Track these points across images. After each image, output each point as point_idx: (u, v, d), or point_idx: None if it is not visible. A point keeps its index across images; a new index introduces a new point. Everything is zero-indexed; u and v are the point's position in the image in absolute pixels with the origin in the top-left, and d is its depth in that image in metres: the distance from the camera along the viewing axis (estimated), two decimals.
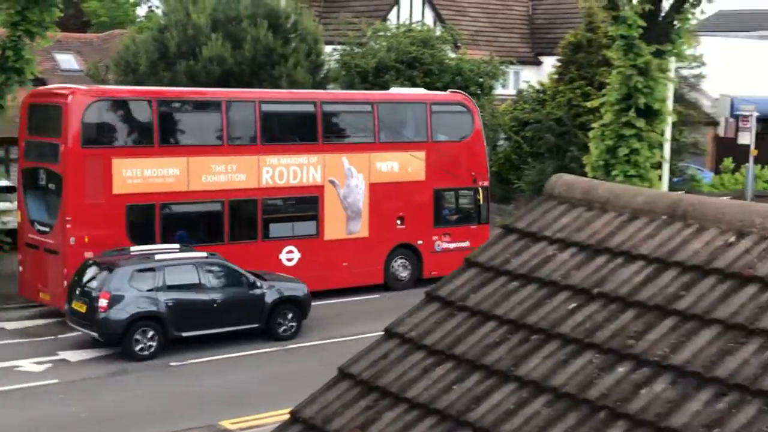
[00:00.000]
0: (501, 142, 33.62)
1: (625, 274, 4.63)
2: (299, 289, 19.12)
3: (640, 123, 17.85)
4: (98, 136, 19.83)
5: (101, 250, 18.67)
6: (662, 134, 18.69)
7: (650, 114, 18.08)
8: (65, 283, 18.86)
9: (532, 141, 32.06)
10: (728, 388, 3.77)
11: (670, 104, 19.68)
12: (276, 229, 21.48)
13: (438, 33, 31.90)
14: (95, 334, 17.64)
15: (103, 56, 28.44)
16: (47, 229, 19.97)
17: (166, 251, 18.43)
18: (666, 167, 20.33)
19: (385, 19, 33.88)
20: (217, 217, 20.79)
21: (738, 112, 39.28)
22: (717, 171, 39.62)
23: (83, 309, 17.60)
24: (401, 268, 22.96)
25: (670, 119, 19.22)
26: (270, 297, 18.63)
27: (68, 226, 19.16)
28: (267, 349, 18.61)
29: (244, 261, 19.29)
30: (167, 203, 20.13)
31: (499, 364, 4.39)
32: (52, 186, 19.89)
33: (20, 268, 20.96)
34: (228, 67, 24.83)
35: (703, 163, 40.42)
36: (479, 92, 28.60)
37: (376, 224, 22.51)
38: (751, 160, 34.27)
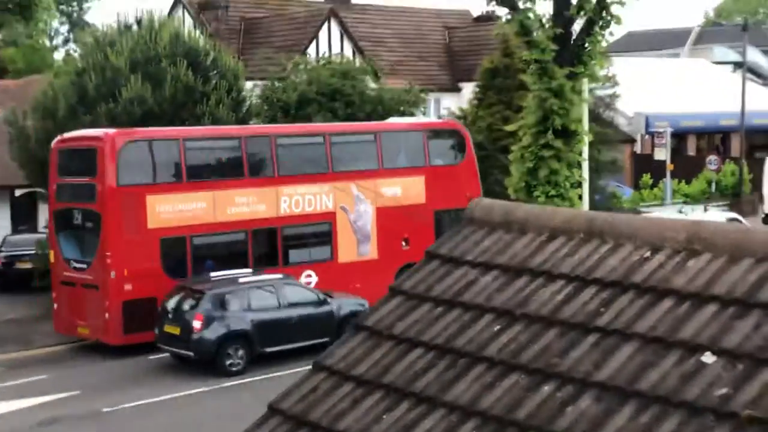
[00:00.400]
0: None
1: (546, 294, 4.71)
2: (363, 305, 20.25)
3: (558, 144, 18.18)
4: (132, 174, 20.95)
5: (139, 283, 20.22)
6: (580, 154, 19.06)
7: (567, 135, 18.43)
8: (107, 315, 20.28)
9: None
10: (651, 400, 3.85)
11: (586, 124, 20.08)
12: (295, 255, 22.83)
13: (358, 64, 32.11)
14: (191, 354, 18.87)
15: (21, 102, 27.96)
16: (85, 266, 21.11)
17: (244, 275, 20.11)
18: (586, 186, 20.70)
19: (304, 52, 34.01)
20: (241, 246, 22.07)
21: (653, 129, 40.29)
22: (636, 187, 40.47)
23: (177, 331, 18.99)
24: None
25: (587, 139, 19.61)
26: (338, 312, 20.15)
27: (109, 261, 20.32)
28: (193, 391, 18.39)
29: None
30: (197, 235, 21.41)
31: (428, 391, 4.42)
32: (89, 224, 21.18)
33: (55, 306, 21.98)
34: (149, 107, 24.62)
35: (622, 180, 41.27)
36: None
37: (384, 246, 23.89)
38: (668, 174, 35.07)
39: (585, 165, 20.49)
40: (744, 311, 4.09)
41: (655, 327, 4.19)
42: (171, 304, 19.48)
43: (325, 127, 25.06)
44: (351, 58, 33.96)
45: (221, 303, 19.13)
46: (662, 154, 36.20)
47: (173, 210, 21.08)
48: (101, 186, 20.55)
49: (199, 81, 25.59)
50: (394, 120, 26.89)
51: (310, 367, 4.95)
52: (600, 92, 37.39)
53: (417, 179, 24.50)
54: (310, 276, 22.63)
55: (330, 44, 35.99)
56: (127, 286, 20.27)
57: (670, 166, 35.23)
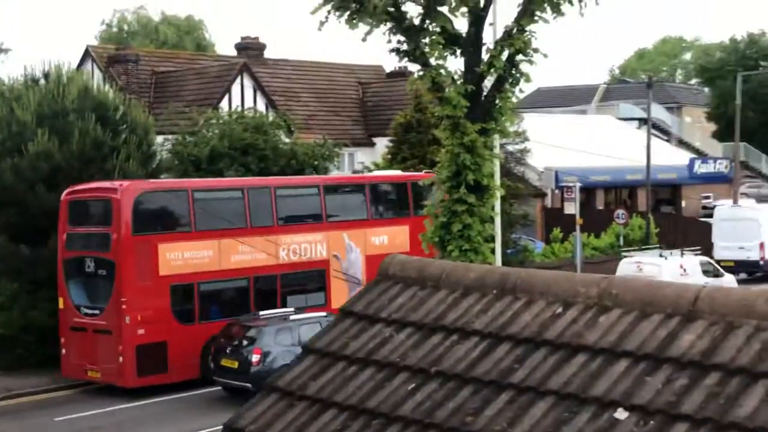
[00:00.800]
0: None
1: (461, 351, 4.69)
2: None
3: (471, 199, 18.34)
4: (145, 224, 21.95)
5: (151, 328, 21.22)
6: (492, 208, 19.25)
7: (480, 189, 18.61)
8: (121, 359, 21.16)
9: None
10: None
11: (497, 179, 20.34)
12: (292, 301, 23.75)
13: (271, 119, 32.08)
14: (248, 385, 19.49)
15: None
16: (97, 312, 21.95)
17: (291, 313, 21.58)
18: (498, 240, 20.91)
19: (216, 107, 33.83)
20: (244, 292, 23.19)
21: (562, 184, 41.00)
22: (547, 241, 41.05)
23: (235, 365, 20.40)
24: None
25: (498, 193, 19.84)
26: None
27: (124, 306, 21.24)
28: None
29: None
30: (204, 282, 22.45)
31: None
32: (102, 272, 21.98)
33: (63, 351, 22.56)
34: (56, 162, 24.14)
35: (533, 233, 41.85)
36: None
37: None
38: (578, 228, 35.69)
39: (497, 219, 20.70)
40: (655, 366, 4.13)
41: (569, 383, 4.20)
42: (226, 340, 21.08)
43: (320, 179, 26.69)
44: (264, 112, 33.92)
45: (276, 338, 20.49)
46: (572, 208, 36.83)
47: (183, 258, 22.17)
48: (116, 235, 21.52)
49: (108, 135, 25.22)
50: (380, 173, 28.70)
51: None
52: (511, 148, 38.01)
53: (402, 228, 25.95)
54: None
55: (243, 98, 35.91)
56: (140, 331, 21.26)
57: (579, 220, 35.86)
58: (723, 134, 73.24)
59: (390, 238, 25.64)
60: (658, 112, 66.52)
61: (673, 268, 29.13)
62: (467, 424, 4.19)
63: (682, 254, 32.01)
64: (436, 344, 4.80)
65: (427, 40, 18.21)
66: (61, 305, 22.71)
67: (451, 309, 4.97)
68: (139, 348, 21.26)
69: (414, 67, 19.79)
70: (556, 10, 18.18)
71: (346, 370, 4.86)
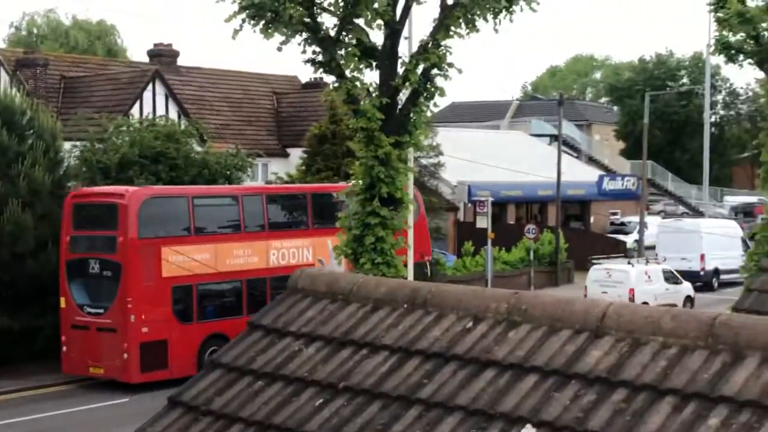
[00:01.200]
0: None
1: (370, 366, 4.63)
2: None
3: (384, 211, 18.36)
4: (149, 228, 23.05)
5: (154, 326, 22.46)
6: (405, 221, 19.29)
7: (393, 202, 18.64)
8: (125, 356, 22.34)
9: None
10: None
11: (410, 192, 20.41)
12: None
13: (183, 127, 31.65)
14: None
15: None
16: (101, 311, 23.05)
17: None
18: (411, 253, 20.96)
19: (127, 114, 33.25)
20: (237, 293, 24.47)
21: (475, 198, 41.43)
22: (459, 254, 41.37)
23: None
24: None
25: (411, 207, 19.90)
26: None
27: (129, 306, 22.42)
28: None
29: None
30: (201, 283, 23.66)
31: None
32: (107, 273, 23.09)
33: (64, 348, 23.53)
34: None
35: (446, 246, 42.14)
36: (227, 185, 28.56)
37: None
38: (489, 243, 36.05)
39: (410, 232, 20.77)
40: (563, 382, 4.13)
41: (477, 398, 4.17)
42: None
43: (307, 188, 28.87)
44: (176, 120, 33.45)
45: None
46: (483, 222, 37.24)
47: (183, 260, 23.32)
48: (123, 238, 22.65)
49: (14, 140, 24.57)
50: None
51: None
52: (425, 161, 38.24)
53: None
54: None
55: (154, 106, 35.38)
56: (144, 329, 22.48)
57: (491, 234, 36.27)
58: (631, 152, 75.04)
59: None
60: (569, 129, 67.77)
61: (639, 275, 31.65)
62: None
63: (647, 262, 34.17)
64: (345, 359, 4.73)
65: (342, 51, 18.22)
66: (62, 305, 23.67)
67: (361, 323, 4.92)
68: (142, 345, 22.49)
69: (329, 79, 19.78)
70: (471, 26, 18.36)
71: (252, 385, 4.76)
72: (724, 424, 3.67)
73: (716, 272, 40.47)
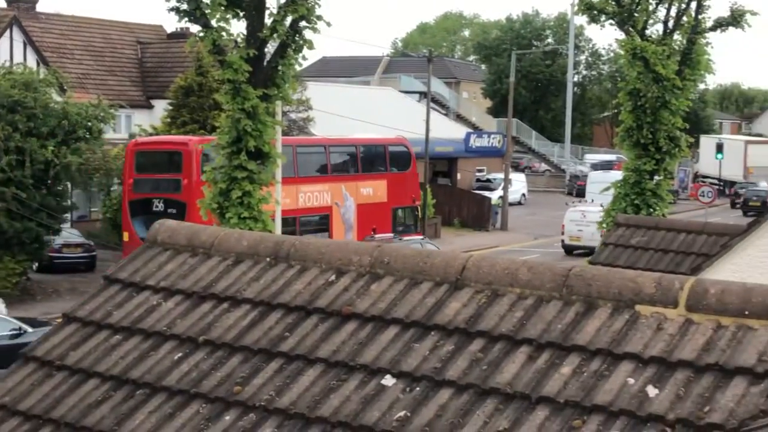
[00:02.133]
0: (114, 188, 32.71)
1: (231, 320, 4.58)
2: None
3: (252, 165, 18.15)
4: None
5: None
6: (273, 176, 19.13)
7: (261, 156, 18.44)
8: None
9: None
10: (332, 426, 3.83)
11: (279, 146, 20.23)
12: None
13: (41, 76, 30.45)
14: None
15: None
16: None
17: (395, 237, 28.11)
18: (279, 208, 20.81)
19: None
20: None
21: None
22: None
23: None
24: None
25: (280, 161, 19.73)
26: None
27: None
28: None
29: None
30: None
31: (102, 425, 4.14)
32: (171, 210, 26.33)
33: None
34: None
35: None
36: (88, 136, 27.67)
37: (360, 233, 30.24)
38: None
39: (278, 187, 20.62)
40: (423, 334, 4.18)
41: (338, 351, 4.18)
42: None
43: (326, 140, 32.68)
44: (34, 69, 32.16)
45: None
46: None
47: None
48: (187, 180, 26.18)
49: None
50: (364, 136, 34.55)
51: None
52: (294, 116, 37.97)
53: (381, 182, 31.94)
54: None
55: (12, 53, 33.90)
56: None
57: None
58: (498, 110, 76.40)
59: (374, 190, 31.59)
60: (438, 87, 68.36)
61: None
62: (234, 393, 4.10)
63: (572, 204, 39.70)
64: (205, 312, 4.67)
65: (208, 0, 17.79)
66: (125, 238, 27.31)
67: (222, 277, 4.85)
68: None
69: (196, 29, 19.29)
70: None
71: (109, 339, 4.65)
72: (576, 372, 3.78)
73: None
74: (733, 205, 56.04)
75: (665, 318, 3.93)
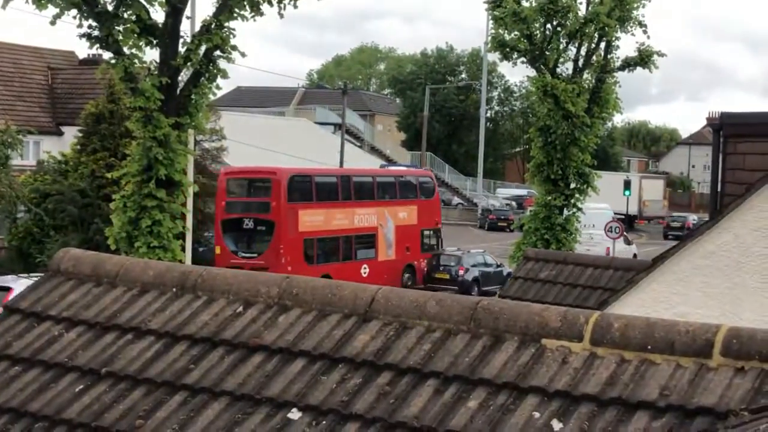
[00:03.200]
0: (21, 215, 31.92)
1: (134, 351, 4.48)
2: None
3: (162, 194, 17.90)
4: (292, 196, 31.88)
5: (293, 267, 29.65)
6: (184, 205, 18.90)
7: (172, 185, 18.21)
8: None
9: (54, 213, 30.83)
10: None
11: (191, 175, 20.02)
12: (359, 253, 34.21)
13: None
14: (456, 288, 31.60)
15: None
16: (255, 255, 31.15)
17: (464, 249, 37.22)
18: (189, 237, 20.56)
19: None
20: (335, 245, 33.16)
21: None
22: None
23: (446, 276, 34.23)
24: (407, 278, 35.42)
25: (191, 190, 19.51)
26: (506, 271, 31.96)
27: (281, 251, 30.92)
28: None
29: (345, 273, 30.18)
30: (319, 237, 32.52)
31: None
32: (261, 228, 31.50)
33: None
34: None
35: None
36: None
37: (398, 251, 35.51)
38: None
39: (189, 216, 20.37)
40: (330, 366, 4.15)
41: (244, 384, 4.12)
42: (437, 263, 35.07)
43: (373, 171, 42.03)
44: None
45: (467, 260, 34.51)
46: None
47: (309, 220, 32.11)
48: (276, 203, 31.35)
49: None
50: (399, 167, 44.57)
51: None
52: (207, 145, 37.64)
53: (413, 208, 36.64)
54: (365, 268, 33.62)
55: None
56: (289, 268, 29.32)
57: None
58: (412, 143, 76.97)
59: (408, 214, 36.18)
60: (353, 119, 68.65)
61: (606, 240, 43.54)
62: (137, 427, 4.00)
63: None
64: (108, 344, 4.56)
65: (121, 27, 17.57)
66: (218, 251, 31.84)
67: (127, 307, 4.75)
68: None
69: (108, 55, 19.01)
70: (256, 9, 18.19)
71: (8, 371, 4.50)
72: (482, 406, 3.79)
73: None
74: (666, 237, 60.12)
75: (570, 352, 3.97)
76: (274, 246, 31.19)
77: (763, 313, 6.88)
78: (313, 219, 32.45)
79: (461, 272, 33.75)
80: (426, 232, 37.23)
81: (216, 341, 4.41)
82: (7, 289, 18.50)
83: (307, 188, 33.21)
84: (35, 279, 6.03)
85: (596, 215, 53.11)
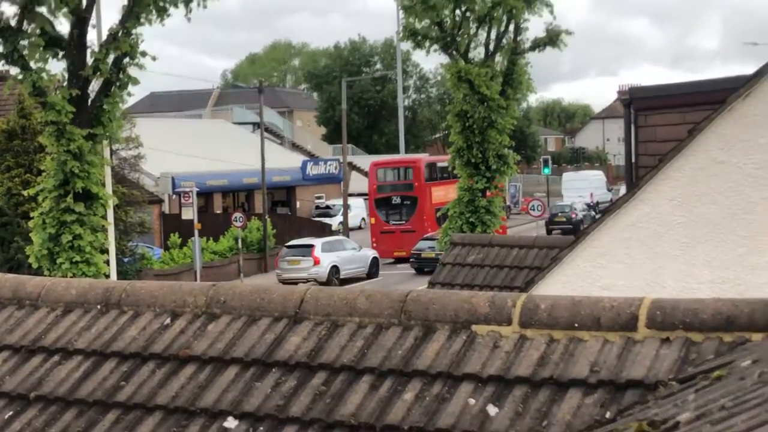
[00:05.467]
0: None
1: (63, 373, 4.40)
2: None
3: (80, 208, 17.58)
4: (427, 178, 44.99)
5: (431, 229, 41.50)
6: (104, 217, 18.60)
7: (90, 198, 17.90)
8: (417, 244, 40.21)
9: None
10: None
11: (109, 186, 19.71)
12: None
13: None
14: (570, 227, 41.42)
15: None
16: (403, 222, 44.46)
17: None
18: (112, 250, 20.24)
19: None
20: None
21: (179, 189, 40.77)
22: (166, 247, 40.59)
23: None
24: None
25: (111, 201, 19.21)
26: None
27: (424, 218, 43.73)
28: None
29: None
30: (439, 207, 37.81)
31: None
32: (407, 202, 44.74)
33: (375, 244, 43.48)
34: None
35: (152, 240, 41.17)
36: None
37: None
38: (196, 233, 35.64)
39: (111, 228, 20.05)
40: (264, 371, 4.12)
41: (177, 396, 4.08)
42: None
43: (421, 158, 51.81)
44: None
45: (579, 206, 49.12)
46: (190, 213, 36.74)
47: (437, 195, 42.97)
48: (418, 183, 44.35)
49: None
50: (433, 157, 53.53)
51: None
52: (124, 153, 37.11)
53: (447, 187, 43.64)
54: None
55: None
56: (429, 230, 40.86)
57: (197, 225, 35.85)
58: (332, 137, 76.91)
59: (443, 191, 42.08)
60: (271, 117, 68.27)
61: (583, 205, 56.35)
62: None
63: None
64: (35, 367, 4.46)
65: (26, 42, 17.19)
66: (372, 222, 45.41)
67: (52, 328, 4.66)
68: (425, 238, 39.79)
69: (15, 71, 18.60)
70: (162, 12, 17.95)
71: None
72: (418, 397, 3.81)
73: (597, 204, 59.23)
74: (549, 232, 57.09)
75: (500, 336, 4.01)
76: (419, 215, 43.81)
77: (684, 280, 7.04)
78: (439, 193, 43.04)
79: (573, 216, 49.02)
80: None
81: (145, 355, 4.35)
82: None
83: (434, 172, 45.21)
84: None
85: (595, 179, 67.78)
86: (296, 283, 33.85)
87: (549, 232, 48.58)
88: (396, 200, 44.20)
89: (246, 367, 4.16)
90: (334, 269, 36.98)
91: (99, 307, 4.73)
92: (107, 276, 18.23)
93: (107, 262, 18.82)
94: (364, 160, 70.87)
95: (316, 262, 36.57)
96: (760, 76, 6.68)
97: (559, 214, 52.90)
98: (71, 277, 16.26)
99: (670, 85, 9.47)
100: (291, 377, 4.05)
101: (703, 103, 8.13)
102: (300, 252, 37.41)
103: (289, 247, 38.45)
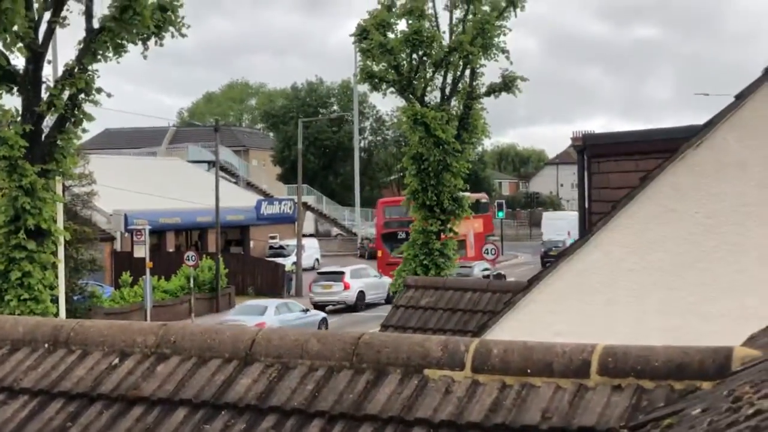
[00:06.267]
0: None
1: (8, 412, 4.31)
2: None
3: (31, 245, 17.37)
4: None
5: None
6: (55, 254, 18.36)
7: (41, 234, 17.69)
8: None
9: None
10: None
11: (61, 223, 19.49)
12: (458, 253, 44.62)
13: None
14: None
15: None
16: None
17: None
18: (62, 287, 19.96)
19: None
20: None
21: (132, 227, 40.42)
22: (117, 285, 40.11)
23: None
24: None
25: (62, 238, 18.98)
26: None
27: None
28: None
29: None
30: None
31: None
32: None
33: (380, 271, 46.90)
34: None
35: (103, 278, 40.67)
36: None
37: (476, 250, 47.10)
38: (148, 272, 35.28)
39: (61, 266, 19.79)
40: (213, 413, 4.06)
41: None
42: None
43: (473, 195, 47.72)
44: None
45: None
46: (142, 251, 36.40)
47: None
48: None
49: None
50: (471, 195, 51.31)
51: None
52: (77, 190, 36.76)
53: (480, 220, 53.49)
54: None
55: None
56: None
57: (149, 264, 35.50)
58: (288, 177, 76.84)
59: (478, 224, 49.61)
60: (227, 155, 68.11)
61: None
62: None
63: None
64: None
65: None
66: (379, 254, 50.36)
67: None
68: None
69: None
70: (119, 49, 17.90)
71: None
72: None
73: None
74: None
75: (453, 381, 4.00)
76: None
77: (635, 327, 7.09)
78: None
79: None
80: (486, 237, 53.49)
81: (93, 396, 4.27)
82: None
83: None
84: None
85: (573, 219, 68.03)
86: (326, 306, 40.18)
87: (544, 265, 55.16)
88: (401, 235, 46.02)
89: (195, 408, 4.10)
90: (361, 294, 41.57)
91: (47, 345, 4.65)
92: (56, 314, 17.96)
93: (56, 300, 18.56)
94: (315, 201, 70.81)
95: (347, 287, 40.97)
96: (711, 126, 6.80)
97: (553, 248, 61.23)
98: (19, 314, 16.01)
99: (624, 132, 9.61)
100: (240, 420, 4.00)
101: (655, 151, 8.25)
102: (332, 278, 41.80)
103: (321, 273, 43.78)
